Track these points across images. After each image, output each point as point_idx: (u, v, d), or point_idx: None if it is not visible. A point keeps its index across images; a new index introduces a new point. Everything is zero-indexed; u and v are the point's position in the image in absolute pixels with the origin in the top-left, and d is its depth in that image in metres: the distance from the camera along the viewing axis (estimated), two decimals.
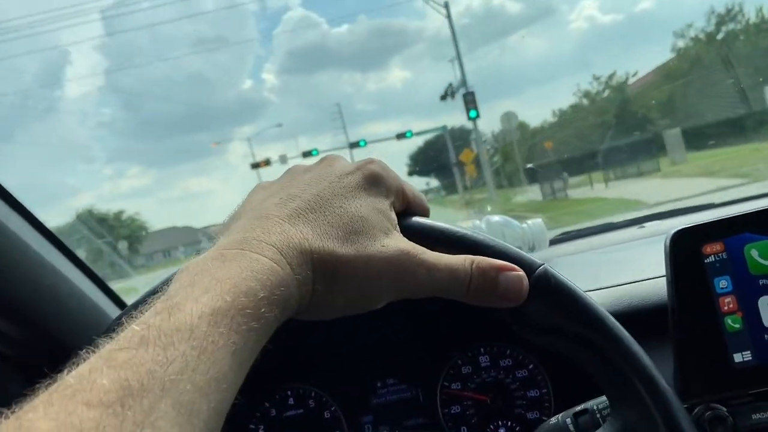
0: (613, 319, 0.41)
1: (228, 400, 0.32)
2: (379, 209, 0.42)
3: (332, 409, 0.77)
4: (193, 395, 0.29)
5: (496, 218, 1.06)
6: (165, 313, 0.31)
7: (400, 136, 24.42)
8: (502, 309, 0.42)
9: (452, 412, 0.75)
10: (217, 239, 0.40)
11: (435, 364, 0.76)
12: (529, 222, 1.06)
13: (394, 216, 0.44)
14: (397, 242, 0.41)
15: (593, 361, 0.42)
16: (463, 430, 0.74)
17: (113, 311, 0.78)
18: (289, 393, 0.78)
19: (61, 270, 0.70)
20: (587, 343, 0.41)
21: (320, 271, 0.38)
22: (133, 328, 0.30)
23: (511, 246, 0.43)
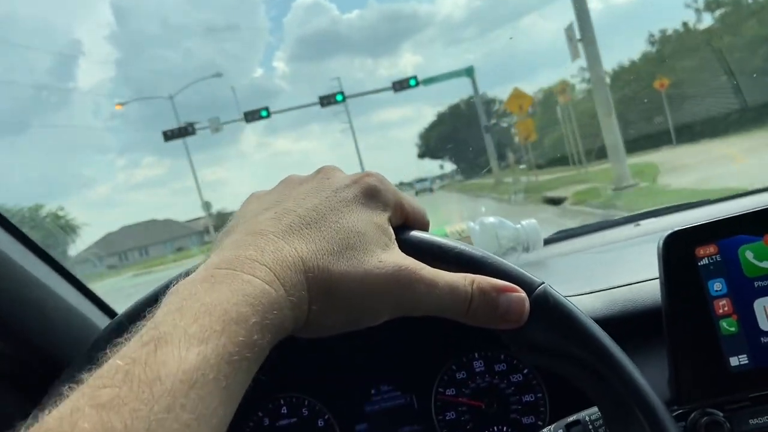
0: (611, 342, 0.40)
1: None
2: (376, 224, 0.41)
3: (326, 417, 0.76)
4: None
5: (490, 219, 1.05)
6: (151, 345, 0.30)
7: (400, 84, 18.73)
8: (500, 330, 0.41)
9: (447, 418, 0.74)
10: (210, 254, 0.39)
11: (429, 370, 0.75)
12: (524, 222, 1.05)
13: (391, 231, 0.43)
14: (395, 258, 0.40)
15: (591, 384, 0.41)
16: None
17: (101, 321, 0.77)
18: (282, 402, 0.77)
19: (45, 282, 0.69)
20: (585, 366, 0.40)
21: (315, 291, 0.37)
22: (117, 363, 0.29)
23: (510, 263, 0.42)
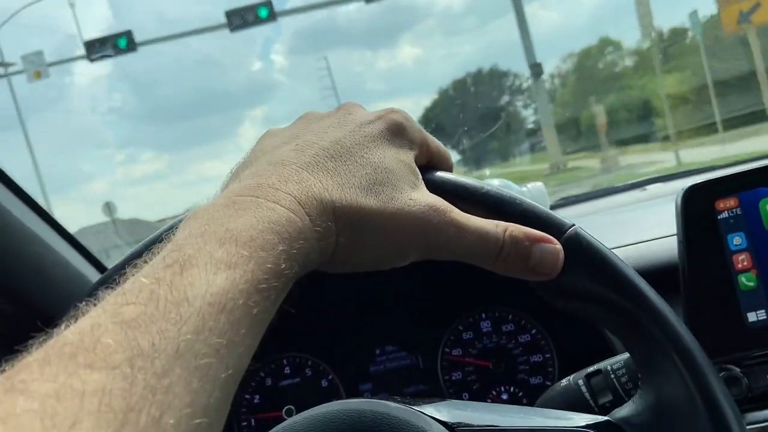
0: (647, 286, 0.38)
1: (244, 365, 0.29)
2: (403, 161, 0.39)
3: (330, 377, 0.75)
4: (210, 359, 0.26)
5: (495, 182, 1.03)
6: (176, 267, 0.28)
7: None
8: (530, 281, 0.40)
9: (453, 378, 0.73)
10: (226, 185, 0.37)
11: (435, 330, 0.74)
12: (530, 185, 1.04)
13: (418, 170, 0.41)
14: (425, 197, 0.38)
15: (625, 329, 0.39)
16: (465, 396, 0.72)
17: (97, 278, 0.75)
18: (285, 362, 0.76)
19: (44, 238, 0.67)
20: (619, 310, 0.38)
21: (343, 223, 0.35)
22: (141, 281, 0.27)
23: (539, 204, 0.40)
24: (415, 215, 0.37)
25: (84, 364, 0.23)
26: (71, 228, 0.77)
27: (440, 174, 0.42)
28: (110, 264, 0.82)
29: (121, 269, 0.31)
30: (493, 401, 0.71)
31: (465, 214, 0.38)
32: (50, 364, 0.23)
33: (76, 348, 0.23)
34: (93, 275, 0.77)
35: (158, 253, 0.30)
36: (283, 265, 0.31)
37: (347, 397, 0.74)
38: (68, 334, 0.24)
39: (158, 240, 0.32)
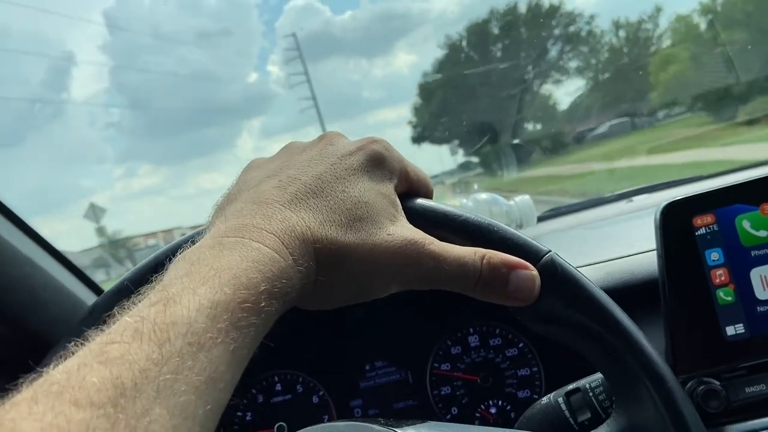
0: (620, 311, 0.39)
1: (224, 400, 0.30)
2: (383, 193, 0.40)
3: (320, 393, 0.76)
4: (189, 397, 0.27)
5: (483, 196, 1.05)
6: (160, 305, 0.29)
7: None
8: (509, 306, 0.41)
9: (442, 393, 0.74)
10: (212, 223, 0.38)
11: (424, 345, 0.75)
12: (517, 199, 1.05)
13: (398, 201, 0.42)
14: (403, 230, 0.39)
15: (600, 354, 0.40)
16: (454, 410, 0.73)
17: (89, 298, 0.76)
18: (276, 379, 0.76)
19: (34, 259, 0.67)
20: (593, 336, 0.39)
21: (323, 261, 0.36)
22: (126, 320, 0.28)
23: (517, 232, 0.41)
24: (393, 250, 0.38)
25: (70, 401, 0.24)
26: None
27: (420, 202, 0.43)
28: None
29: (111, 302, 0.32)
30: (481, 415, 0.72)
31: (443, 243, 0.39)
32: (38, 402, 0.24)
33: (62, 387, 0.24)
34: (86, 295, 0.77)
35: (146, 294, 0.31)
36: (264, 304, 0.32)
37: (338, 413, 0.75)
38: (56, 374, 0.25)
39: (145, 281, 0.33)
